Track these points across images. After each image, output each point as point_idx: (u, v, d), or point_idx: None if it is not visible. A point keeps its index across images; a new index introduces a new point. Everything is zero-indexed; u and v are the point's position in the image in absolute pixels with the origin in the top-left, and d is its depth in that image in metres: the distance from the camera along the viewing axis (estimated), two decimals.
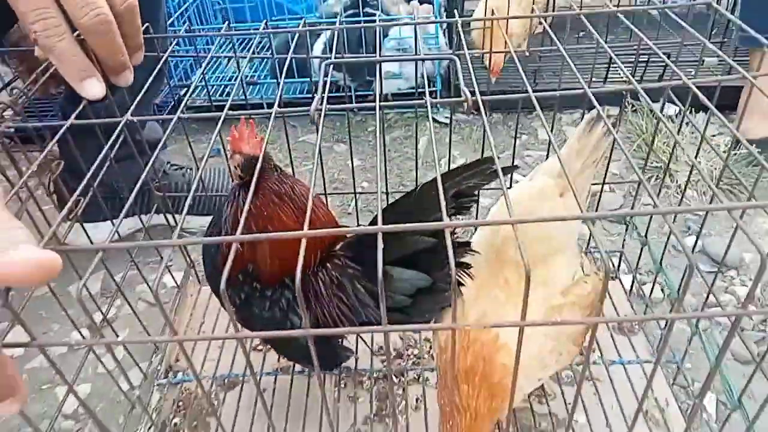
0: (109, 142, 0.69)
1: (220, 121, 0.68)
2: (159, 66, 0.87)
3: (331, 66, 0.95)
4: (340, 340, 0.94)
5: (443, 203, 0.52)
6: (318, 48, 1.99)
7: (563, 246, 0.78)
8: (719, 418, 1.02)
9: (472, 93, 0.67)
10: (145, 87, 0.78)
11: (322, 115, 0.68)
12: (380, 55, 0.86)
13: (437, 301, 0.77)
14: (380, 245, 0.48)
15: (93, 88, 0.62)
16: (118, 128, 0.70)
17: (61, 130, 0.68)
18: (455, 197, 0.74)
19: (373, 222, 0.87)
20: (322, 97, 0.68)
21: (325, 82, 0.71)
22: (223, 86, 2.07)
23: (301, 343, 0.87)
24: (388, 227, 0.50)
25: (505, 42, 0.83)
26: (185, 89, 2.05)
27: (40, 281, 0.41)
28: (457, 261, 0.79)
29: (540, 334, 0.73)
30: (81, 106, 0.68)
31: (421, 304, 0.78)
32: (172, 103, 2.03)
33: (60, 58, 0.59)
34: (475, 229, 1.24)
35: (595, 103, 0.64)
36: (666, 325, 1.10)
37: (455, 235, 0.80)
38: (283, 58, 1.98)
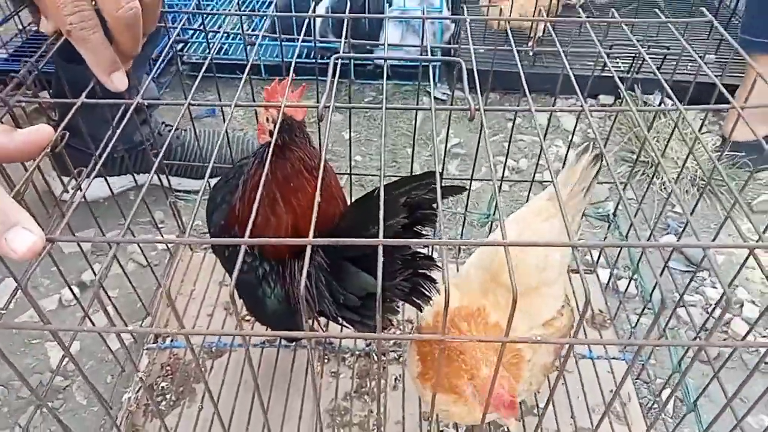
0: (116, 120, 0.70)
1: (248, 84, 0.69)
2: (168, 44, 0.88)
3: (330, 30, 0.94)
4: (308, 321, 0.97)
5: (381, 221, 0.53)
6: (320, 10, 1.96)
7: (555, 278, 0.82)
8: (675, 414, 1.09)
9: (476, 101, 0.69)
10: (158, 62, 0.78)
11: (330, 112, 0.69)
12: (386, 51, 0.87)
13: (382, 310, 0.80)
14: (380, 259, 0.50)
15: (120, 82, 0.63)
16: (130, 110, 0.71)
17: (73, 109, 0.69)
18: (409, 207, 0.75)
19: (347, 214, 0.89)
20: (330, 95, 0.69)
21: (332, 81, 0.72)
22: (219, 44, 2.04)
23: (269, 313, 0.91)
24: (388, 240, 0.52)
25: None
26: (182, 44, 2.02)
27: (29, 259, 0.49)
28: (423, 273, 0.81)
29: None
30: (92, 83, 0.69)
31: (369, 308, 0.81)
32: (168, 58, 2.00)
33: (93, 50, 0.60)
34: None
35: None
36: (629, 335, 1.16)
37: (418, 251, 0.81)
38: (284, 21, 1.95)
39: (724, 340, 1.23)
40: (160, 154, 0.63)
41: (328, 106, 0.67)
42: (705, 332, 1.28)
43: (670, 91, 0.73)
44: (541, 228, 0.86)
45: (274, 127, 0.82)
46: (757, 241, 0.79)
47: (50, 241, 0.52)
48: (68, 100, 0.71)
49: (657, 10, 0.89)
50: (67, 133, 0.91)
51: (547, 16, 1.93)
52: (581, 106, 0.67)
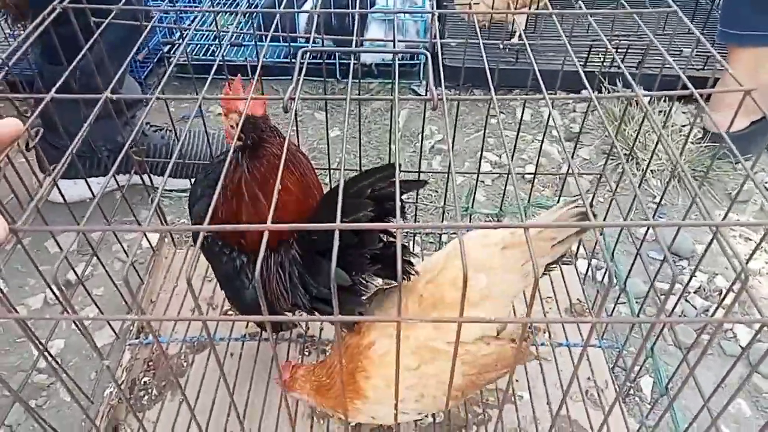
0: (91, 117, 0.71)
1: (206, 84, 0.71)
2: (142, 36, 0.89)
3: (312, 40, 0.96)
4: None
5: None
6: (306, 9, 1.98)
7: (475, 301, 0.82)
8: (654, 399, 1.10)
9: (440, 92, 0.70)
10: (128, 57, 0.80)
11: (295, 104, 0.71)
12: (359, 44, 0.89)
13: (350, 302, 0.82)
14: (336, 243, 0.52)
15: None
16: (99, 104, 0.72)
17: (42, 104, 0.70)
18: (375, 200, 0.78)
19: (319, 209, 0.91)
20: (297, 85, 0.71)
21: (300, 69, 0.74)
22: (207, 45, 2.06)
23: (248, 303, 0.92)
24: (345, 225, 0.54)
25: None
26: (169, 46, 2.03)
27: None
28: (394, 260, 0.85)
29: (409, 375, 0.80)
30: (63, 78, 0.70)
31: (341, 300, 0.83)
32: (155, 59, 2.02)
33: None
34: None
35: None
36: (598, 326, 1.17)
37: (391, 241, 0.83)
38: (268, 21, 1.97)
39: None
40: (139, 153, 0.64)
41: (293, 98, 0.69)
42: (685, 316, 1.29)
43: (630, 78, 0.75)
44: (487, 252, 0.84)
45: (239, 129, 0.85)
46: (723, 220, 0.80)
47: (13, 232, 0.53)
48: (39, 95, 0.72)
49: (623, 1, 0.91)
50: (41, 130, 0.93)
51: (529, 10, 1.95)
52: (547, 98, 0.69)
